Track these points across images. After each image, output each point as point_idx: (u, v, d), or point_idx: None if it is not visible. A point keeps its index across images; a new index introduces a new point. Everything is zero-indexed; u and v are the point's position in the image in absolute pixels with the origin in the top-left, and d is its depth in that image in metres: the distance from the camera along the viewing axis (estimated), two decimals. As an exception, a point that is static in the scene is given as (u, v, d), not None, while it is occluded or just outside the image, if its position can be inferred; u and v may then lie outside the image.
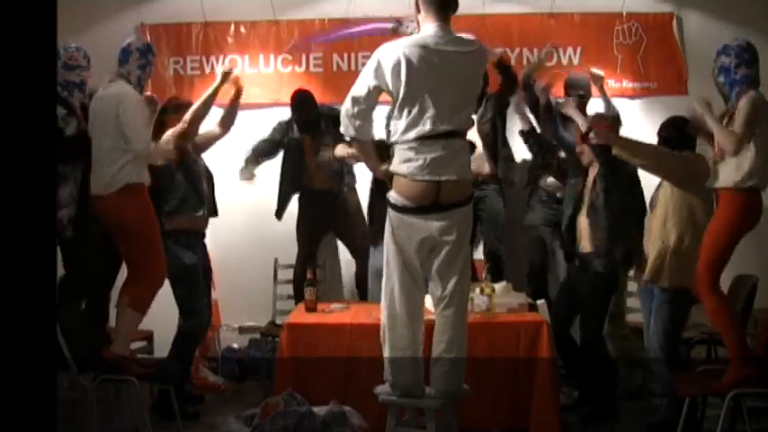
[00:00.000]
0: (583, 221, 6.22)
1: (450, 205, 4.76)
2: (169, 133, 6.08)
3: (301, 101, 7.64)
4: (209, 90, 6.54)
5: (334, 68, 8.36)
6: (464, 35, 4.89)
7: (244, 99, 7.99)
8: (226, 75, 6.60)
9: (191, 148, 6.54)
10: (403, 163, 4.77)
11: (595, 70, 7.46)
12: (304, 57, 8.46)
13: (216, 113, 6.89)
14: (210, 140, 6.91)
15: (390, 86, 4.72)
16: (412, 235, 4.80)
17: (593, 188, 6.15)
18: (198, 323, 6.43)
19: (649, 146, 5.95)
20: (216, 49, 8.49)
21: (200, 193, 6.51)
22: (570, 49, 8.26)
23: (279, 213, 7.74)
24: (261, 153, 7.74)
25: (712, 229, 5.18)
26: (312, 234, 7.76)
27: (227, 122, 6.92)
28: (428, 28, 4.80)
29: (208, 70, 8.46)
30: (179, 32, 8.51)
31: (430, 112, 4.69)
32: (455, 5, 4.87)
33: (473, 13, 7.81)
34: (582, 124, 6.23)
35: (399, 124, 4.77)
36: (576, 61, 8.25)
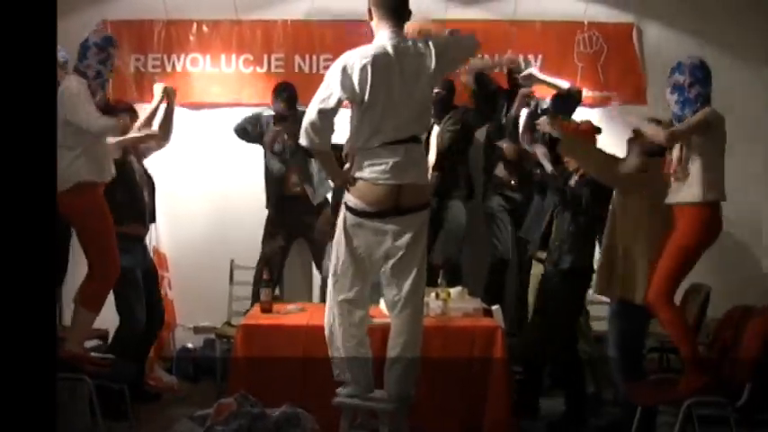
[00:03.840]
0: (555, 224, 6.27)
1: (407, 209, 4.81)
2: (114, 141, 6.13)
3: (288, 90, 7.67)
4: (149, 110, 6.51)
5: (296, 69, 8.33)
6: (416, 39, 4.93)
7: (204, 98, 8.07)
8: (165, 93, 6.58)
9: (133, 159, 6.56)
10: (366, 168, 4.80)
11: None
12: (266, 57, 8.44)
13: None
14: (151, 149, 6.92)
15: (356, 94, 4.72)
16: (369, 239, 4.83)
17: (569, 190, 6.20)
18: (132, 326, 6.42)
19: (597, 150, 5.95)
20: (178, 48, 8.43)
21: (140, 201, 6.55)
22: (531, 57, 8.30)
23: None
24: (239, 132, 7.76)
25: (674, 245, 5.19)
26: (282, 240, 7.75)
27: (164, 133, 6.85)
28: (383, 34, 4.85)
29: (169, 68, 8.41)
30: (141, 30, 8.45)
31: (393, 119, 4.75)
32: (408, 12, 4.92)
33: (435, 18, 7.84)
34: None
35: (363, 131, 4.80)
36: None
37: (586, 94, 8.25)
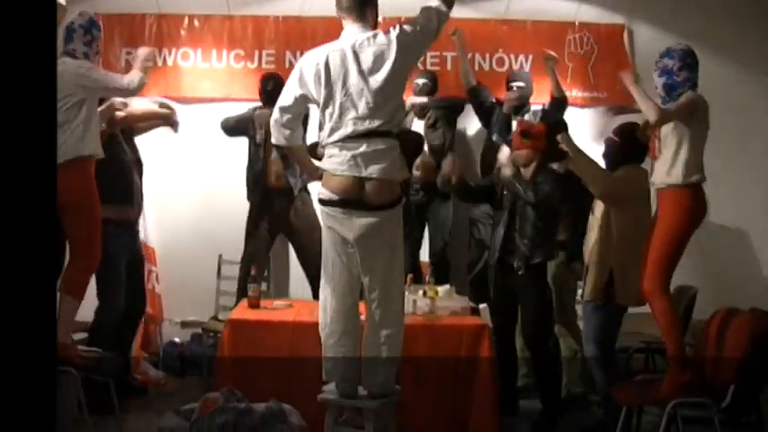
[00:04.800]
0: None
1: (375, 206, 4.80)
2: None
3: (270, 81, 7.69)
4: (152, 111, 6.56)
5: (287, 65, 8.27)
6: (380, 31, 4.88)
7: (195, 93, 8.10)
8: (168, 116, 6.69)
9: (121, 139, 6.52)
10: (328, 159, 4.86)
11: (549, 52, 7.61)
12: (257, 53, 8.45)
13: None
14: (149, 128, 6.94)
15: (314, 93, 4.86)
16: (340, 230, 4.85)
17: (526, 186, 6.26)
18: (111, 310, 6.41)
19: (591, 162, 5.96)
20: (169, 42, 8.43)
21: (129, 185, 6.50)
22: (522, 57, 8.32)
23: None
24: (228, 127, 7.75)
25: (662, 229, 5.17)
26: (266, 234, 7.74)
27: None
28: (347, 30, 4.91)
29: (160, 62, 8.39)
30: (132, 23, 8.44)
31: (351, 113, 4.77)
32: (371, 5, 4.94)
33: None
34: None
35: (325, 127, 4.86)
36: (527, 68, 8.31)
37: (576, 94, 8.29)
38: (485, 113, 7.76)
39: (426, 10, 4.94)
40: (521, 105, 7.55)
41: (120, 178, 6.35)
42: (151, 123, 6.95)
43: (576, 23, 8.42)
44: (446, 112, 7.74)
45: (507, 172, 6.49)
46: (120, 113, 6.40)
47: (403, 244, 5.08)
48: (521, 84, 7.69)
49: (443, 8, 4.93)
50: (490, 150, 7.59)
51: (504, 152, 6.94)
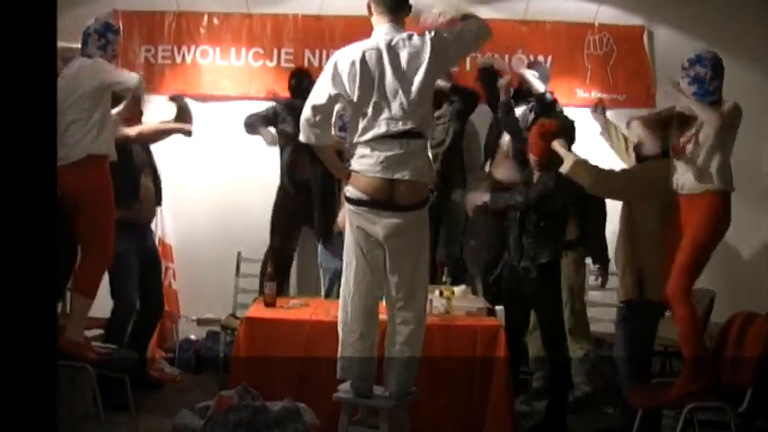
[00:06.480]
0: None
1: (402, 207, 4.80)
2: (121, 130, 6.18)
3: (296, 77, 7.80)
4: (168, 127, 6.62)
5: (306, 64, 8.31)
6: (414, 33, 4.87)
7: (213, 91, 8.13)
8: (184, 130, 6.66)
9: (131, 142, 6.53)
10: (359, 159, 4.85)
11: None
12: (276, 51, 8.45)
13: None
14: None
15: (348, 92, 4.79)
16: (367, 229, 4.85)
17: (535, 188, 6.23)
18: (125, 309, 6.48)
19: (598, 168, 5.92)
20: (188, 39, 8.44)
21: (136, 188, 6.52)
22: (541, 57, 8.29)
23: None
24: (250, 124, 7.80)
25: (689, 239, 5.14)
26: (291, 227, 7.77)
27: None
28: (380, 29, 4.87)
29: (179, 60, 8.43)
30: (151, 21, 8.47)
31: (385, 114, 4.75)
32: (407, 6, 4.92)
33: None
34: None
35: (356, 125, 4.83)
36: (546, 69, 8.30)
37: (595, 95, 8.25)
38: (494, 96, 7.63)
39: (467, 21, 4.94)
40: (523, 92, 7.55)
41: (126, 180, 6.32)
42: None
43: (596, 24, 8.38)
44: (459, 106, 7.64)
45: (500, 176, 6.48)
46: (131, 133, 6.39)
47: (428, 244, 5.07)
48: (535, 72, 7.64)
49: (485, 23, 4.95)
50: (493, 136, 7.59)
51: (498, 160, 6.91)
